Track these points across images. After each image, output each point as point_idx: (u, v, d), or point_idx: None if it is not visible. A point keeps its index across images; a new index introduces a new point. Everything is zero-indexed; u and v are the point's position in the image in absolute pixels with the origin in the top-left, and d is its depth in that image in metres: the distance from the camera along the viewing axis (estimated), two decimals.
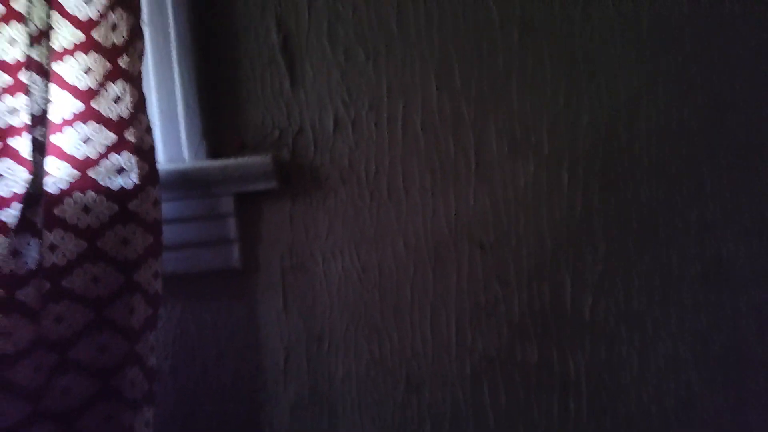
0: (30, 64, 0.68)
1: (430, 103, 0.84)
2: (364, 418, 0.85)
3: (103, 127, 0.75)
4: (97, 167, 0.75)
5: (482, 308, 0.86)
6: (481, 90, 0.85)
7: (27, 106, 0.74)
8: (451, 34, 0.84)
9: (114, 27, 0.74)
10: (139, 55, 0.74)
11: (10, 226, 0.72)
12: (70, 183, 0.75)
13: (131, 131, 0.75)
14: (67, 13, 0.75)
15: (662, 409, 0.87)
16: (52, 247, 0.74)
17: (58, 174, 0.75)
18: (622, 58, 0.86)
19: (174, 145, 0.83)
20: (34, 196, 0.69)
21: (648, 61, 0.86)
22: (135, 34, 0.74)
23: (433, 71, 0.84)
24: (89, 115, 0.75)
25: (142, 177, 0.74)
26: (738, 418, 0.88)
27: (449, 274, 0.85)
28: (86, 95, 0.75)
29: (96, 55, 0.75)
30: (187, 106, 0.82)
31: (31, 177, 0.69)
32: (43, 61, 0.69)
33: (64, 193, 0.75)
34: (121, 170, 0.75)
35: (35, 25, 0.68)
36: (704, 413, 0.87)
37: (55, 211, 0.74)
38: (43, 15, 0.69)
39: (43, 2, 0.69)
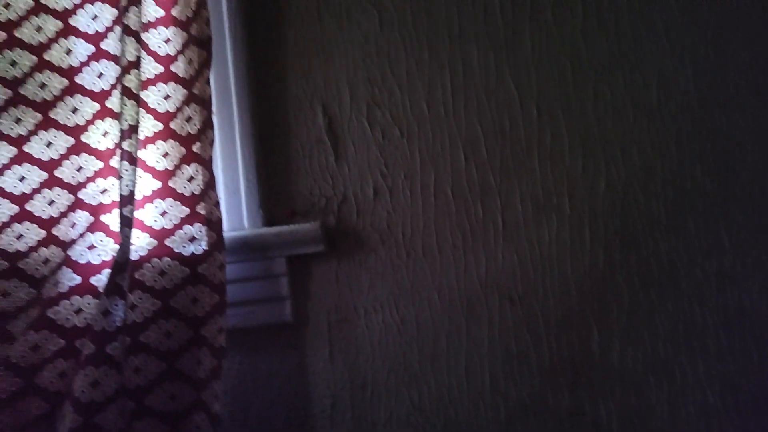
0: (122, 153, 0.82)
1: (459, 172, 0.94)
2: None
3: (178, 203, 0.88)
4: (172, 237, 0.88)
5: (514, 357, 0.92)
6: (506, 160, 0.94)
7: (115, 187, 0.88)
8: (476, 113, 0.95)
9: (189, 119, 0.89)
10: (211, 142, 0.88)
11: (100, 289, 0.85)
12: (149, 250, 0.88)
13: (202, 205, 0.87)
14: (149, 107, 0.89)
15: None
16: (132, 307, 0.86)
17: (138, 243, 0.88)
18: (635, 126, 0.94)
19: (236, 215, 0.95)
20: (123, 263, 0.81)
21: (659, 129, 0.94)
22: (207, 125, 0.88)
23: (461, 145, 0.95)
24: (166, 192, 0.89)
25: (211, 244, 0.86)
26: None
27: (481, 325, 0.92)
28: (164, 176, 0.89)
29: (173, 142, 0.89)
30: (247, 181, 0.95)
31: (118, 247, 0.81)
32: (133, 151, 0.83)
33: (143, 259, 0.87)
34: (192, 239, 0.87)
35: (127, 122, 0.83)
36: None
37: (136, 275, 0.86)
38: (134, 113, 0.83)
39: (134, 102, 0.84)
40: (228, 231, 0.93)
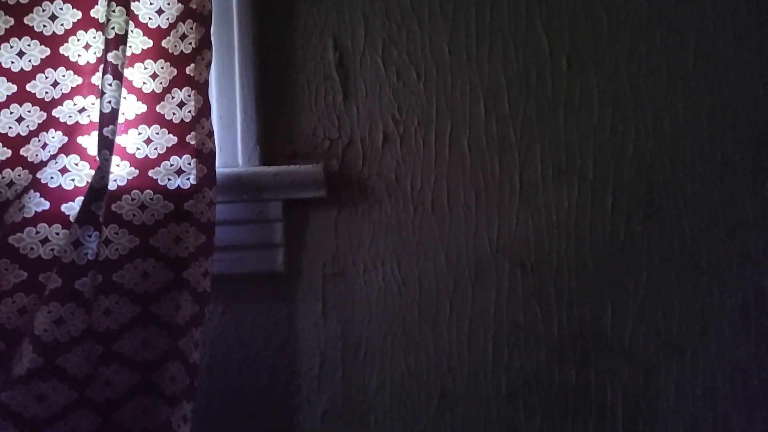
0: (106, 66, 0.73)
1: (477, 124, 0.87)
2: (396, 430, 0.85)
3: (166, 130, 0.79)
4: (157, 167, 0.79)
5: (521, 327, 0.86)
6: (529, 115, 0.87)
7: (95, 107, 0.78)
8: (501, 60, 0.87)
9: (183, 37, 0.79)
10: (207, 64, 0.78)
11: (71, 218, 0.76)
12: (129, 181, 0.79)
13: (193, 135, 0.78)
14: (139, 21, 0.79)
15: None
16: (107, 242, 0.77)
17: (118, 171, 0.79)
18: (668, 91, 0.88)
19: (230, 150, 0.86)
20: (99, 190, 0.72)
21: (693, 95, 0.88)
22: (204, 45, 0.78)
23: (482, 94, 0.87)
24: (153, 117, 0.79)
25: (200, 178, 0.77)
26: None
27: (489, 291, 0.86)
28: (151, 99, 0.79)
29: (163, 62, 0.79)
30: (245, 114, 0.85)
31: (96, 171, 0.72)
32: (119, 65, 0.73)
33: (122, 190, 0.78)
34: (180, 171, 0.78)
35: (114, 31, 0.73)
36: None
37: (113, 207, 0.78)
38: (122, 21, 0.74)
39: (123, 9, 0.74)
40: (220, 167, 0.84)
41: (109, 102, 0.72)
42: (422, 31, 0.87)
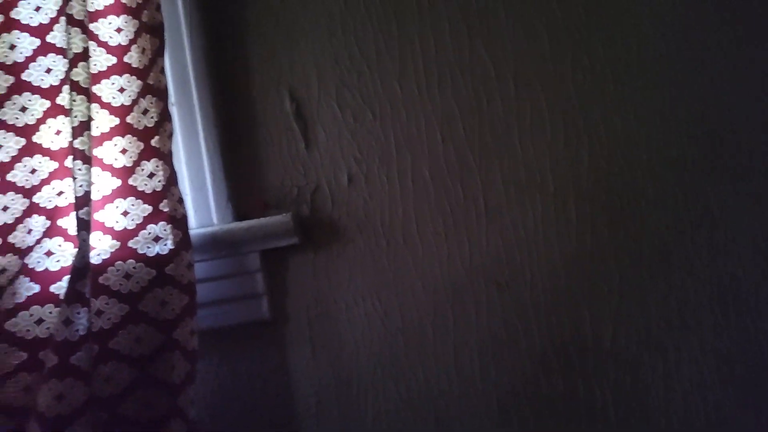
0: (75, 152, 0.77)
1: (436, 153, 0.90)
2: None
3: (140, 201, 0.83)
4: (136, 237, 0.83)
5: (504, 343, 0.88)
6: (484, 138, 0.90)
7: (72, 188, 0.83)
8: (451, 89, 0.90)
9: (145, 111, 0.83)
10: (169, 135, 0.83)
11: (60, 297, 0.80)
12: (112, 253, 0.83)
13: (165, 203, 0.82)
14: (103, 102, 0.84)
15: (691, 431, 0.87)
16: (99, 313, 0.81)
17: (100, 246, 0.83)
18: (616, 97, 0.90)
19: (204, 211, 0.90)
20: (82, 269, 0.76)
21: (641, 98, 0.90)
22: (164, 117, 0.83)
23: (437, 124, 0.90)
24: (127, 191, 0.84)
25: (177, 243, 0.81)
26: None
27: (468, 312, 0.88)
28: (123, 173, 0.84)
29: (131, 137, 0.84)
30: (213, 174, 0.90)
31: (77, 251, 0.76)
32: (86, 149, 0.77)
33: (107, 263, 0.82)
34: (157, 238, 0.82)
35: (77, 118, 0.77)
36: None
37: (100, 280, 0.82)
38: (84, 108, 0.78)
39: (84, 97, 0.78)
40: (196, 228, 0.88)
41: (81, 185, 0.76)
42: (372, 72, 0.91)
